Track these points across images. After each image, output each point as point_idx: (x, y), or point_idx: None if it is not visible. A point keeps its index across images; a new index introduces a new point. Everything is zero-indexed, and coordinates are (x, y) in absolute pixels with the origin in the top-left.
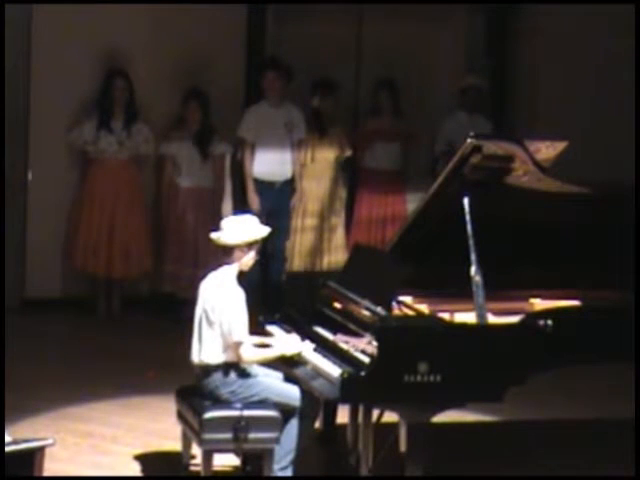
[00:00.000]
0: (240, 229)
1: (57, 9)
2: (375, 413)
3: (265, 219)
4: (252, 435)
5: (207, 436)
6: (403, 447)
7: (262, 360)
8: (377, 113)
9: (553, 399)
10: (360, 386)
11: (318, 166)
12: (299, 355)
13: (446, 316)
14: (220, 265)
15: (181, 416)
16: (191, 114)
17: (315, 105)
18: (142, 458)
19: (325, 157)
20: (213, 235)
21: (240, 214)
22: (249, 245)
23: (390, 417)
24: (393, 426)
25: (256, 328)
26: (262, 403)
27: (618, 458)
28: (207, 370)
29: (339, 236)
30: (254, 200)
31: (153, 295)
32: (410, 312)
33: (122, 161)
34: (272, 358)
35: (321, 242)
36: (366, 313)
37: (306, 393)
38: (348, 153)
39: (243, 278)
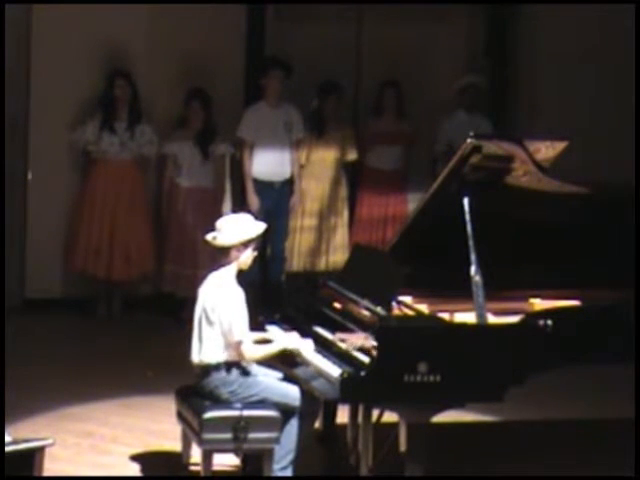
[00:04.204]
0: (235, 229)
1: (57, 9)
2: (375, 413)
3: (264, 219)
4: (252, 435)
5: (207, 436)
6: (403, 447)
7: (264, 356)
8: (380, 113)
9: (553, 399)
10: (360, 386)
11: (316, 166)
12: (299, 355)
13: (446, 316)
14: (220, 265)
15: (181, 416)
16: (194, 114)
17: (314, 106)
18: (142, 458)
19: (322, 158)
20: (209, 236)
21: (237, 214)
22: (245, 244)
23: (390, 417)
24: (393, 426)
25: (256, 328)
26: (262, 403)
27: (618, 458)
28: (207, 370)
29: (339, 236)
30: (253, 200)
31: (153, 295)
32: (410, 312)
33: (124, 162)
34: (274, 353)
35: (321, 242)
36: (366, 313)
37: (306, 393)
38: (352, 157)
39: (243, 278)
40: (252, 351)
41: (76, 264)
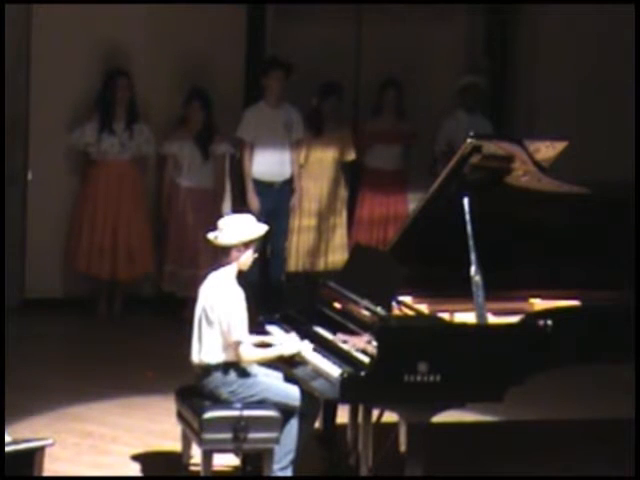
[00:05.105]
0: (236, 229)
1: (57, 9)
2: (375, 413)
3: (264, 219)
4: (252, 435)
5: (207, 436)
6: (403, 447)
7: (261, 360)
8: (379, 113)
9: (553, 399)
10: (360, 386)
11: (315, 166)
12: (299, 355)
13: (446, 316)
14: (221, 265)
15: (181, 416)
16: (193, 114)
17: (313, 105)
18: (142, 458)
19: (320, 158)
20: (210, 235)
21: (238, 214)
22: (246, 244)
23: (390, 417)
24: (393, 426)
25: (256, 328)
26: (262, 403)
27: (618, 458)
28: (207, 370)
29: (339, 236)
30: (254, 201)
31: (154, 295)
32: (410, 312)
33: (124, 162)
34: (271, 358)
35: (320, 242)
36: (366, 313)
37: (306, 393)
38: (351, 157)
39: (243, 278)
40: (249, 353)
41: (80, 264)
